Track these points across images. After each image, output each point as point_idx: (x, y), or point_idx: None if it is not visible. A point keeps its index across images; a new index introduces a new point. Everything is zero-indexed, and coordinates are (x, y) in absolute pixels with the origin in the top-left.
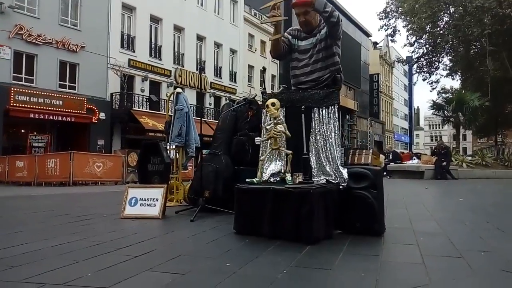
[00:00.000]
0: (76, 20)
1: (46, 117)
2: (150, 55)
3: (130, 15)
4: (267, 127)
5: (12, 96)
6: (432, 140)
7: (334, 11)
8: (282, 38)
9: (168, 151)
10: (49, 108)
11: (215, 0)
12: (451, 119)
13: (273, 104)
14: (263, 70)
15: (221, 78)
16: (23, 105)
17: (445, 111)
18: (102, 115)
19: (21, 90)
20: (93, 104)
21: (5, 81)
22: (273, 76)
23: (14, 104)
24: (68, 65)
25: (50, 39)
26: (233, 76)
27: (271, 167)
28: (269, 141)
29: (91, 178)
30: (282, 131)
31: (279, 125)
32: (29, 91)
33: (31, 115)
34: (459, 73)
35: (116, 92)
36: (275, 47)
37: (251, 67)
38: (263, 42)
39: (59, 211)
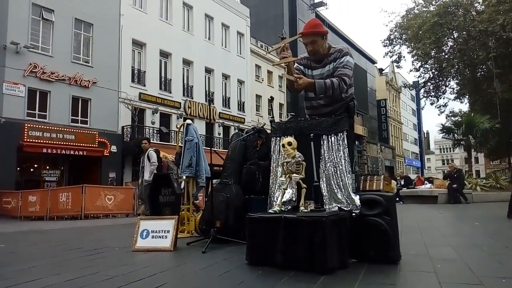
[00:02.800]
0: (88, 57)
1: (58, 152)
2: (160, 88)
3: (140, 51)
4: (287, 167)
5: (26, 132)
6: (443, 163)
7: (336, 89)
8: (297, 72)
9: (178, 182)
10: (62, 143)
11: (222, 34)
12: (461, 142)
13: (289, 144)
14: (271, 99)
15: (229, 108)
16: (36, 141)
17: (455, 134)
18: (113, 148)
19: (34, 126)
20: (104, 137)
21: (19, 118)
22: (280, 105)
23: (28, 140)
24: (80, 100)
25: (63, 76)
26: (241, 106)
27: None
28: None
29: (103, 211)
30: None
31: (298, 165)
32: (42, 126)
33: (44, 150)
34: (467, 96)
35: (127, 125)
36: (292, 85)
37: (258, 97)
38: (269, 72)
39: (72, 245)
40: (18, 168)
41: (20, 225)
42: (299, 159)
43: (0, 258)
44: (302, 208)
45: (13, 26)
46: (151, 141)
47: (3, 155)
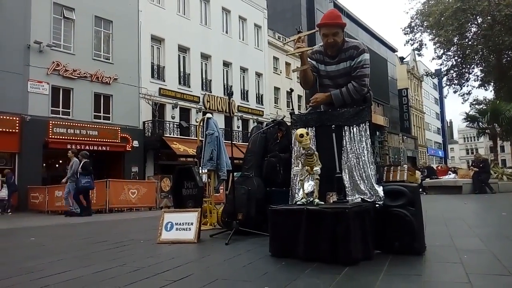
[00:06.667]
0: (108, 54)
1: (82, 148)
2: (179, 83)
3: (159, 46)
4: (301, 159)
5: (50, 129)
6: (467, 153)
7: (354, 95)
8: (310, 67)
9: (200, 175)
10: (85, 139)
11: (239, 26)
12: (486, 130)
13: (303, 135)
14: (290, 92)
15: (248, 101)
16: (61, 137)
17: (480, 123)
18: (135, 143)
19: (58, 122)
20: (126, 133)
21: (44, 115)
22: (299, 97)
23: (53, 137)
24: (102, 96)
25: (84, 73)
26: (259, 99)
27: (304, 187)
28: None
29: (126, 204)
30: (315, 162)
31: (310, 156)
32: (66, 123)
33: (68, 146)
34: (492, 83)
35: (148, 120)
36: (305, 78)
37: (277, 89)
38: (287, 64)
39: (98, 238)
40: (44, 164)
41: (48, 219)
42: (310, 151)
43: (31, 251)
44: (317, 200)
45: (36, 26)
46: (171, 135)
47: (30, 152)
